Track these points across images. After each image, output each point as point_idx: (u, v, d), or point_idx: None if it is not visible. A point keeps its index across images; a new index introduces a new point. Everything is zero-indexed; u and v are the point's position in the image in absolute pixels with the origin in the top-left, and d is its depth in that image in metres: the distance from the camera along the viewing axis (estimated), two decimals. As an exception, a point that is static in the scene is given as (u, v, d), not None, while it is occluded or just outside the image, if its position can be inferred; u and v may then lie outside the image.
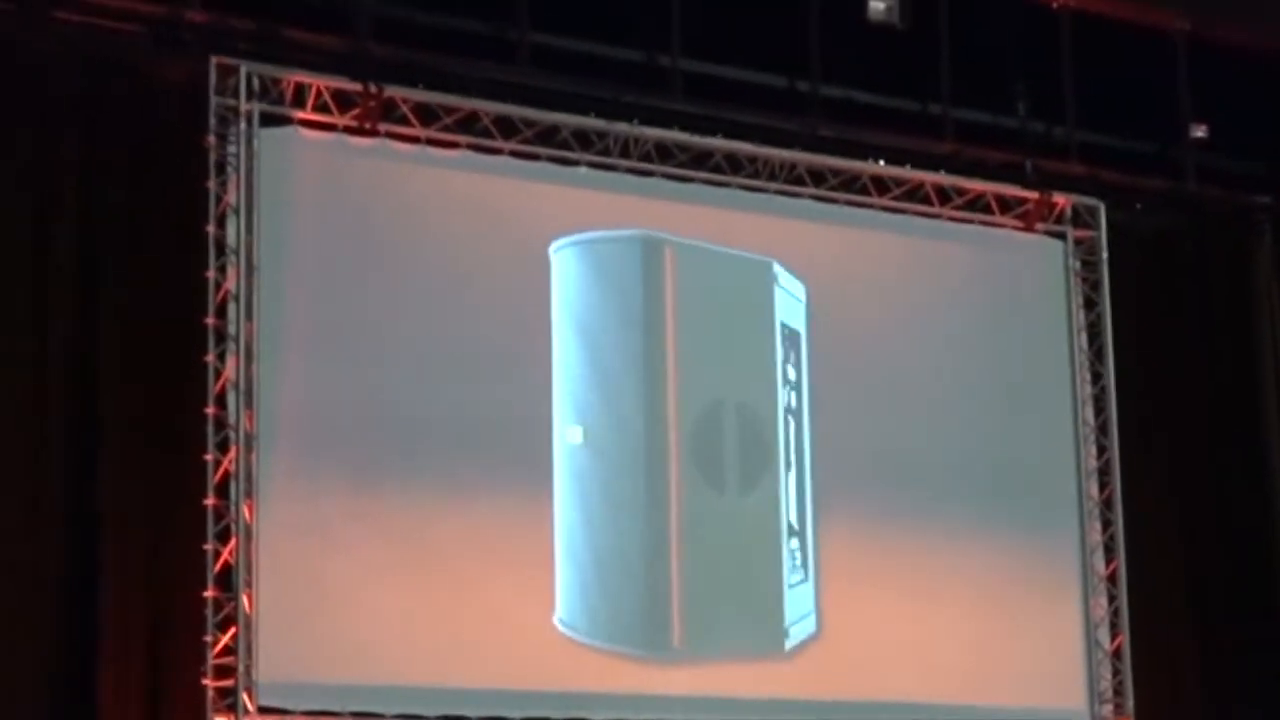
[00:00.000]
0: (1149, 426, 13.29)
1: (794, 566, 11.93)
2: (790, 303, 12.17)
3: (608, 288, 11.65)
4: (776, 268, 12.09)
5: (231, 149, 10.78)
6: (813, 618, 12.00)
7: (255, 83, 10.87)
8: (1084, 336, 13.06)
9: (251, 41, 11.02)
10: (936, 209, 12.78)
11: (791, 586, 11.89)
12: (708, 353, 11.70)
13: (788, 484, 12.02)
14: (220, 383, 10.57)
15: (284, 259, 10.84)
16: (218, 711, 10.29)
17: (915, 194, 12.71)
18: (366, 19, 11.29)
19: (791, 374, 12.14)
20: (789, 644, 11.82)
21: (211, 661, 10.32)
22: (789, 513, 11.99)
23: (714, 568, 11.51)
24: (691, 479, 11.52)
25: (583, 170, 11.79)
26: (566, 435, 11.40)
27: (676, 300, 11.63)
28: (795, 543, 11.97)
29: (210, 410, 10.51)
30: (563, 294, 11.54)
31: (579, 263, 11.60)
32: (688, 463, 11.58)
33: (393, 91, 11.18)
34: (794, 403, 12.14)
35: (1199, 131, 13.62)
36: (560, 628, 11.25)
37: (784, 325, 12.12)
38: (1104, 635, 12.74)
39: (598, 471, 11.41)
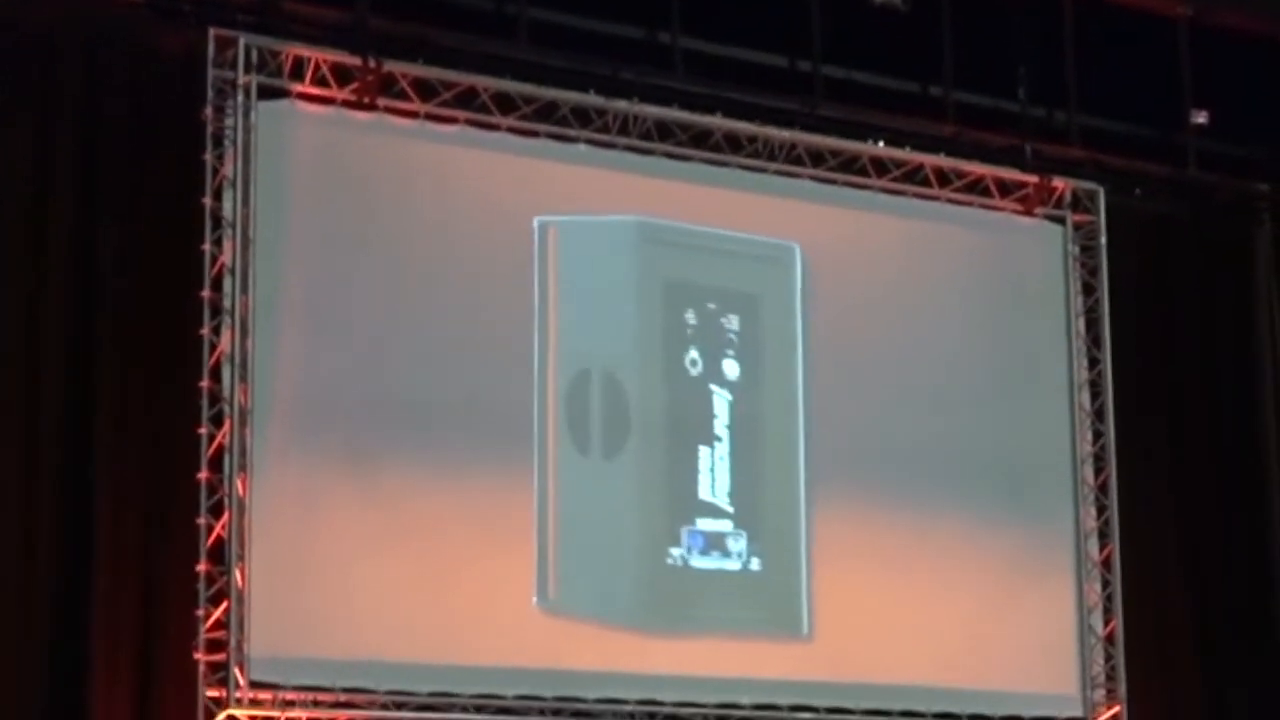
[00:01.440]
0: (1145, 412, 13.26)
1: (705, 548, 11.73)
2: (719, 263, 11.97)
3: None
4: (663, 224, 11.84)
5: (229, 122, 10.74)
6: (776, 611, 11.89)
7: (253, 55, 10.84)
8: (1081, 321, 13.02)
9: (250, 14, 10.98)
10: (936, 191, 12.75)
11: (694, 566, 11.68)
12: (582, 324, 11.63)
13: (705, 458, 11.83)
14: (215, 356, 10.54)
15: (280, 233, 10.80)
16: (209, 686, 10.28)
17: (915, 176, 12.68)
18: (366, -8, 11.27)
19: (728, 340, 11.96)
20: (679, 624, 11.59)
21: (203, 636, 10.30)
22: (710, 489, 11.82)
23: (583, 528, 11.45)
24: (564, 443, 11.49)
25: (581, 147, 11.75)
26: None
27: (558, 277, 11.58)
28: (727, 525, 11.81)
29: (205, 384, 10.49)
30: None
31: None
32: (563, 428, 11.51)
33: (391, 66, 11.15)
34: (733, 373, 11.98)
35: (1200, 117, 13.56)
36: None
37: (708, 288, 11.91)
38: (1097, 620, 12.72)
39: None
